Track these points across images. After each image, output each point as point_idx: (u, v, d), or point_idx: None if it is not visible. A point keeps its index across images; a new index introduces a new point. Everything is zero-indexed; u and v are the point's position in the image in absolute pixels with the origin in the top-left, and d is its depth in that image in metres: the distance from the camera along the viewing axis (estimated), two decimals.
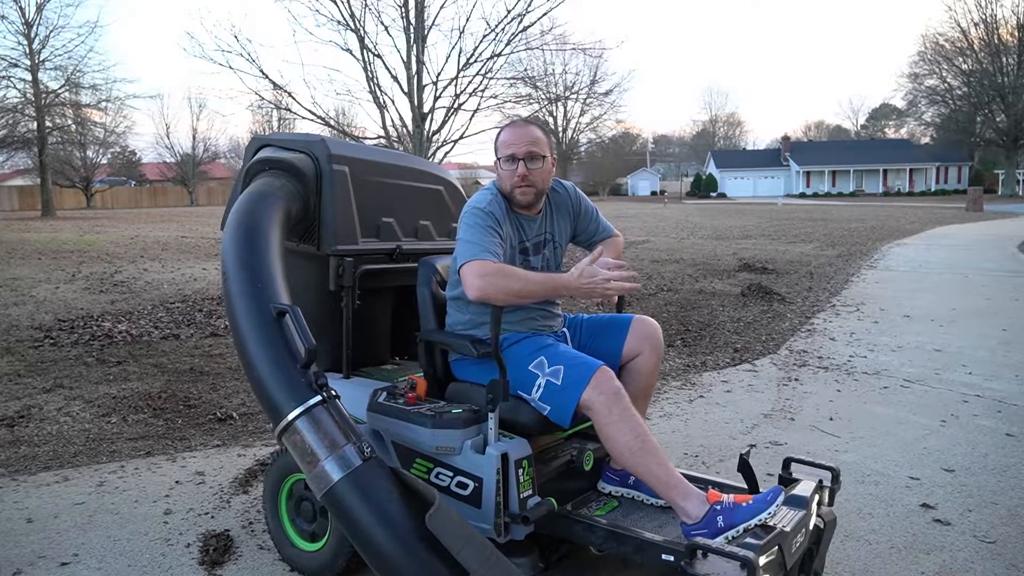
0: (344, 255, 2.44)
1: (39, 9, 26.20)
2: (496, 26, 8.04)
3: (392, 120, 8.29)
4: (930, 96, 49.07)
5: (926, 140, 57.40)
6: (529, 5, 7.97)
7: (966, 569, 2.31)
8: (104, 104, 29.81)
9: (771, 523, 1.84)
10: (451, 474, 2.08)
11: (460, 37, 8.12)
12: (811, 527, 1.97)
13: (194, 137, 53.99)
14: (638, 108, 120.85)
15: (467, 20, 8.12)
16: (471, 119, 8.47)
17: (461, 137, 8.51)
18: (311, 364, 1.97)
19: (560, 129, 65.05)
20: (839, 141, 72.16)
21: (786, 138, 63.37)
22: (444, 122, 8.33)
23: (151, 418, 3.88)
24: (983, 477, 3.02)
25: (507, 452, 2.02)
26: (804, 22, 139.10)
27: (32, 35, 26.19)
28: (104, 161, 44.24)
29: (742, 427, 3.69)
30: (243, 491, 2.92)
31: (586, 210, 2.49)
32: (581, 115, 63.09)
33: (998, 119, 45.56)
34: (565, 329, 2.41)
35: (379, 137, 8.68)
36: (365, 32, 7.92)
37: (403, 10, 7.94)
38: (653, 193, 65.30)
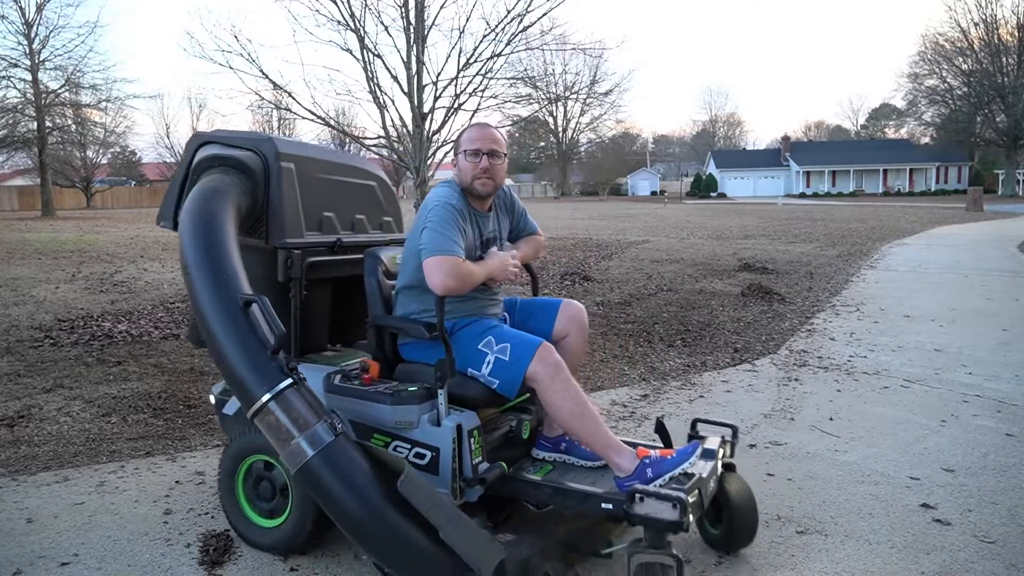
0: (292, 248, 2.59)
1: (39, 9, 26.22)
2: (496, 26, 8.04)
3: (392, 120, 8.30)
4: (930, 96, 49.08)
5: (926, 140, 57.43)
6: (529, 5, 7.98)
7: (966, 569, 2.31)
8: (104, 104, 29.85)
9: (691, 471, 2.22)
10: (409, 446, 2.30)
11: (460, 37, 8.12)
12: (719, 474, 2.36)
13: None
14: (638, 108, 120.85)
15: (467, 20, 8.13)
16: (471, 119, 8.46)
17: None
18: (280, 350, 2.14)
19: (560, 129, 65.13)
20: (839, 141, 72.17)
21: (786, 138, 63.35)
22: (444, 122, 8.34)
23: (151, 418, 3.88)
24: (983, 477, 3.02)
25: (461, 423, 2.27)
26: (804, 22, 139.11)
27: (32, 35, 26.21)
28: (104, 161, 44.26)
29: (742, 427, 3.69)
30: None
31: (520, 210, 2.76)
32: (581, 115, 63.24)
33: (998, 119, 45.56)
34: (505, 312, 2.66)
35: (379, 137, 8.68)
36: (365, 32, 7.92)
37: (403, 10, 7.93)
38: (653, 193, 65.30)
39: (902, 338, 5.76)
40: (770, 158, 62.92)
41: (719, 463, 2.38)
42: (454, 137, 8.45)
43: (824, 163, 58.35)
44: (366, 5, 7.91)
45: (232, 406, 2.68)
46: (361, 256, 2.73)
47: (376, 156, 9.68)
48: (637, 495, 2.08)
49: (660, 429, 2.63)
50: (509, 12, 7.96)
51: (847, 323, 6.44)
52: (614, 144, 67.35)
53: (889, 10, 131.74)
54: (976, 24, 44.45)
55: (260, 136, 2.71)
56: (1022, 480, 2.99)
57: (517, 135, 73.38)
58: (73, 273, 9.40)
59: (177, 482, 3.02)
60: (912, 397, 4.19)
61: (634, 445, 2.36)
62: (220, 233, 2.32)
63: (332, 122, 9.89)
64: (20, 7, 25.92)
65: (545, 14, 8.21)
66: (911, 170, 56.56)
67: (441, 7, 8.05)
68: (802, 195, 55.42)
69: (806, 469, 3.14)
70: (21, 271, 9.68)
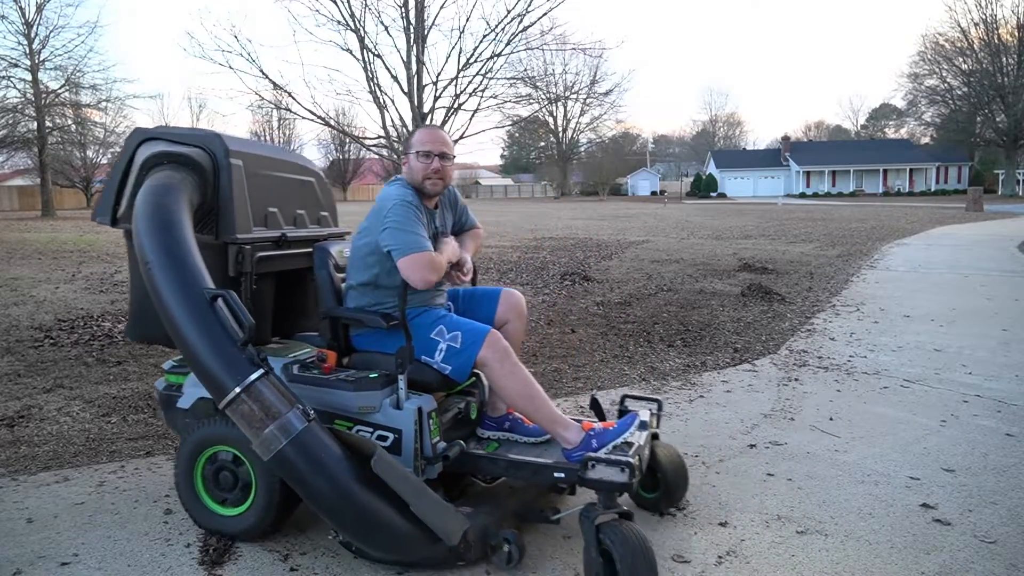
0: (243, 243, 2.66)
1: (39, 9, 26.23)
2: (496, 26, 8.05)
3: (392, 120, 8.30)
4: (930, 96, 49.05)
5: (926, 140, 57.40)
6: (529, 5, 7.98)
7: (966, 569, 2.31)
8: (104, 104, 29.86)
9: (631, 440, 2.44)
10: (371, 430, 2.43)
11: (460, 37, 8.13)
12: (651, 442, 2.63)
13: None
14: (638, 108, 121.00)
15: (467, 20, 8.14)
16: (471, 119, 8.49)
17: (461, 137, 8.49)
18: (250, 341, 2.24)
19: (560, 129, 65.14)
20: (839, 141, 72.18)
21: (786, 138, 63.34)
22: (444, 122, 8.33)
23: (151, 418, 3.88)
24: (983, 477, 3.02)
25: (421, 406, 2.42)
26: (804, 22, 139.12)
27: (32, 35, 26.22)
28: (104, 161, 44.17)
29: (742, 427, 3.69)
30: None
31: (461, 206, 2.91)
32: (581, 115, 63.26)
33: (998, 119, 45.54)
34: (449, 302, 2.81)
35: (379, 137, 8.68)
36: (365, 32, 7.93)
37: (403, 10, 7.93)
38: (653, 193, 65.32)
39: (902, 338, 5.76)
40: (770, 158, 62.91)
41: (650, 433, 2.63)
42: (454, 137, 8.48)
43: (824, 163, 58.34)
44: (366, 5, 7.93)
45: (188, 399, 2.67)
46: (303, 251, 2.92)
47: (376, 156, 9.67)
48: (590, 462, 2.29)
49: (595, 405, 2.90)
50: (509, 12, 7.97)
51: (847, 323, 6.44)
52: (614, 144, 67.36)
53: (889, 10, 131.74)
54: (976, 24, 44.45)
55: (208, 133, 2.75)
56: (1022, 480, 2.99)
57: (517, 135, 73.49)
58: (73, 273, 9.40)
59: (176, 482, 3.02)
60: (912, 397, 4.19)
61: (578, 420, 2.56)
62: (179, 229, 2.38)
63: (332, 122, 9.89)
64: (20, 7, 25.94)
65: (545, 14, 8.24)
66: (911, 170, 56.55)
67: (441, 7, 8.07)
68: (802, 195, 55.42)
69: (806, 469, 3.14)
70: (21, 271, 9.68)
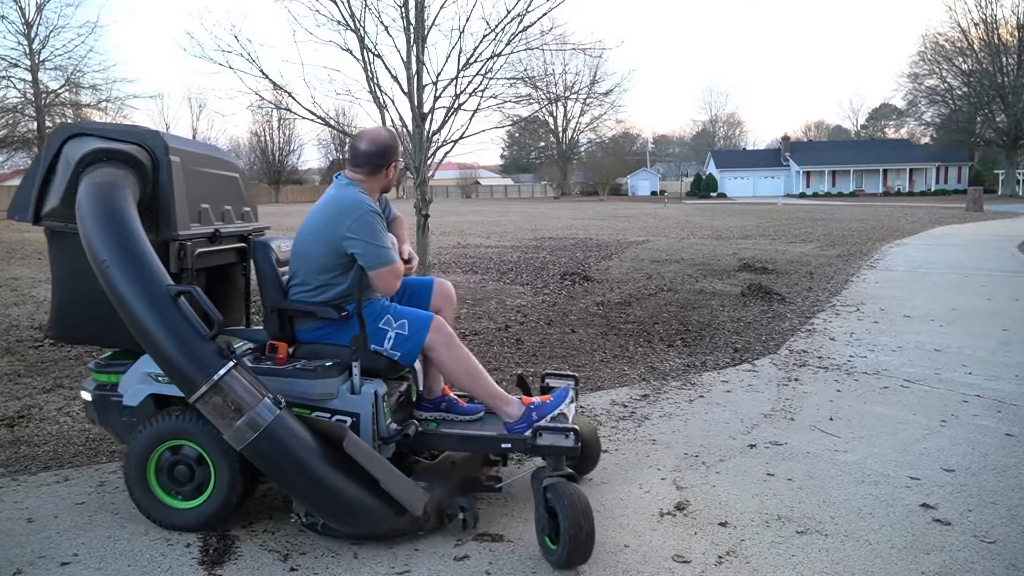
0: (184, 240, 2.69)
1: (39, 9, 26.27)
2: (496, 26, 8.01)
3: (392, 120, 8.26)
4: (930, 96, 49.10)
5: (926, 140, 57.42)
6: (529, 5, 7.93)
7: (966, 569, 2.31)
8: (104, 104, 29.90)
9: (565, 412, 2.71)
10: (328, 415, 2.54)
11: (460, 37, 8.08)
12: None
13: (194, 137, 54.05)
14: (638, 108, 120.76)
15: (467, 20, 8.10)
16: (471, 119, 8.42)
17: (461, 137, 8.47)
18: (218, 335, 2.33)
19: (560, 129, 65.16)
20: (839, 141, 72.17)
21: (786, 138, 63.35)
22: (444, 122, 8.29)
23: None
24: (983, 477, 3.02)
25: (376, 390, 2.57)
26: (804, 22, 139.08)
27: (32, 35, 26.26)
28: None
29: (742, 427, 3.70)
30: None
31: (384, 199, 3.01)
32: (581, 115, 63.31)
33: (998, 119, 45.56)
34: None
35: None
36: (365, 32, 7.89)
37: (403, 10, 7.90)
38: (653, 193, 65.31)
39: (902, 338, 5.76)
40: (770, 158, 62.91)
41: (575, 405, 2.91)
42: (454, 137, 8.47)
43: (824, 163, 58.34)
44: (366, 5, 7.88)
45: (134, 396, 2.63)
46: (233, 246, 3.03)
47: None
48: (538, 431, 2.53)
49: (521, 383, 3.11)
50: (509, 12, 7.93)
51: (847, 323, 6.44)
52: (614, 144, 67.39)
53: (889, 10, 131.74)
54: (976, 24, 44.49)
55: (146, 130, 2.75)
56: (1022, 480, 2.99)
57: (517, 135, 73.49)
58: None
59: None
60: (912, 397, 4.19)
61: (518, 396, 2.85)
62: (133, 226, 2.39)
63: (332, 122, 9.88)
64: (20, 7, 25.98)
65: (545, 14, 8.17)
66: (911, 170, 56.55)
67: (441, 7, 8.02)
68: (802, 195, 55.42)
69: (806, 469, 3.14)
70: (21, 271, 9.68)
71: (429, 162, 8.34)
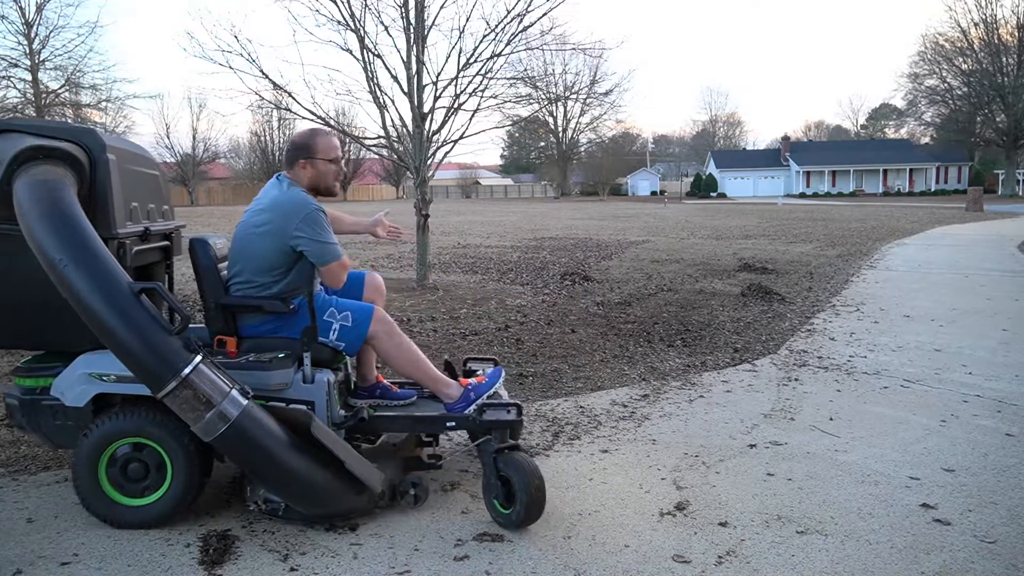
0: (123, 239, 2.69)
1: (39, 9, 26.28)
2: (496, 26, 8.01)
3: (392, 120, 8.27)
4: (930, 96, 49.10)
5: (926, 140, 57.46)
6: (529, 5, 7.93)
7: (966, 569, 2.31)
8: (104, 104, 29.93)
9: (498, 391, 2.96)
10: (284, 404, 2.62)
11: (460, 37, 8.09)
12: None
13: (194, 137, 54.12)
14: (638, 108, 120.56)
15: (467, 20, 8.11)
16: (471, 119, 8.42)
17: (461, 137, 8.47)
18: (184, 329, 2.37)
19: (560, 129, 65.10)
20: (839, 141, 72.19)
21: (786, 138, 63.35)
22: (444, 122, 8.29)
23: None
24: (983, 477, 3.02)
25: (328, 379, 2.70)
26: (804, 22, 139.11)
27: (32, 35, 26.26)
28: None
29: (742, 427, 3.69)
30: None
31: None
32: (581, 115, 63.27)
33: (998, 119, 45.56)
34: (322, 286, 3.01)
35: (379, 137, 8.67)
36: (365, 32, 7.89)
37: (403, 10, 7.91)
38: (653, 193, 65.29)
39: (902, 338, 5.76)
40: (770, 158, 62.90)
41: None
42: (454, 137, 8.47)
43: (824, 163, 58.34)
44: (366, 5, 7.89)
45: (79, 398, 2.58)
46: (159, 244, 3.07)
47: (376, 156, 9.65)
48: (483, 409, 2.78)
49: (448, 368, 3.21)
50: (509, 12, 7.93)
51: (847, 323, 6.44)
52: (614, 144, 67.35)
53: (889, 10, 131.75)
54: (976, 24, 44.49)
55: (83, 128, 2.73)
56: (1022, 480, 2.99)
57: (517, 135, 73.49)
58: None
59: None
60: (912, 397, 4.19)
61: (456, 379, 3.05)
62: (84, 224, 2.38)
63: (332, 122, 9.88)
64: (20, 7, 25.99)
65: (545, 14, 8.18)
66: (911, 170, 56.56)
67: (441, 7, 8.03)
68: (802, 195, 55.42)
69: (806, 469, 3.14)
70: None
71: (429, 162, 8.34)
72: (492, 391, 2.92)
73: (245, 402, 2.38)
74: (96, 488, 2.56)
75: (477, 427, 2.76)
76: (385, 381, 3.12)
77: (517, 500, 2.52)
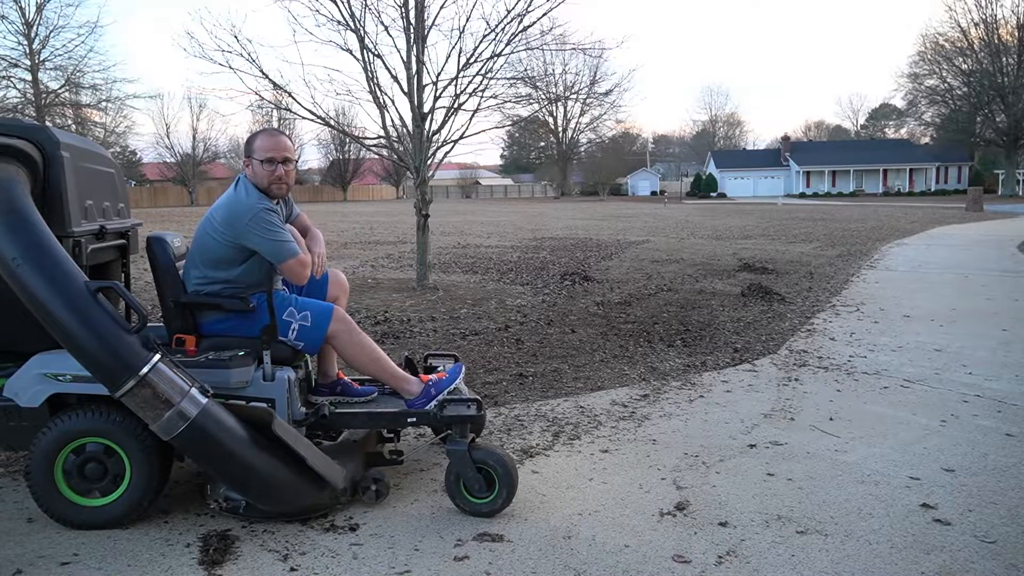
0: (78, 237, 2.67)
1: (39, 9, 26.29)
2: (496, 26, 8.01)
3: (392, 120, 8.27)
4: (930, 96, 49.13)
5: (926, 140, 57.50)
6: (529, 5, 7.93)
7: (966, 569, 2.31)
8: (104, 104, 29.94)
9: (459, 386, 2.96)
10: (244, 402, 2.61)
11: (460, 37, 8.09)
12: None
13: (194, 137, 54.04)
14: (638, 108, 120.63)
15: (467, 20, 8.11)
16: (471, 119, 8.42)
17: (461, 137, 8.47)
18: (143, 328, 2.36)
19: (560, 129, 65.15)
20: (839, 141, 72.19)
21: (786, 138, 63.37)
22: (444, 122, 8.29)
23: None
24: (983, 477, 3.02)
25: (289, 376, 2.71)
26: (804, 22, 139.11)
27: (32, 35, 26.27)
28: None
29: (742, 427, 3.69)
30: None
31: (291, 200, 3.11)
32: (581, 115, 63.33)
33: (998, 119, 45.59)
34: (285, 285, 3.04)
35: (379, 137, 8.67)
36: (365, 32, 7.89)
37: (403, 10, 7.91)
38: (653, 193, 65.33)
39: (902, 338, 5.76)
40: (770, 158, 62.92)
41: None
42: (454, 137, 8.47)
43: (824, 163, 58.36)
44: (366, 5, 7.89)
45: (34, 398, 2.57)
46: (115, 243, 3.05)
47: (376, 156, 9.64)
48: (444, 404, 2.81)
49: (409, 364, 3.22)
50: (509, 12, 7.93)
51: (847, 323, 6.44)
52: (614, 144, 67.38)
53: (889, 10, 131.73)
54: (976, 24, 44.53)
55: (36, 125, 2.70)
56: (1022, 480, 2.99)
57: (517, 135, 73.48)
58: None
59: (176, 482, 3.01)
60: (912, 397, 4.19)
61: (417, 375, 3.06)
62: (40, 223, 2.36)
63: (332, 122, 9.88)
64: (20, 7, 25.99)
65: (545, 14, 8.18)
66: (911, 170, 56.57)
67: (441, 7, 8.03)
68: (802, 195, 55.43)
69: (806, 469, 3.14)
70: None
71: (429, 162, 8.34)
72: (453, 387, 2.93)
73: (205, 400, 2.37)
74: (52, 489, 2.53)
75: (438, 422, 2.81)
76: (346, 378, 3.13)
77: (499, 483, 2.63)
